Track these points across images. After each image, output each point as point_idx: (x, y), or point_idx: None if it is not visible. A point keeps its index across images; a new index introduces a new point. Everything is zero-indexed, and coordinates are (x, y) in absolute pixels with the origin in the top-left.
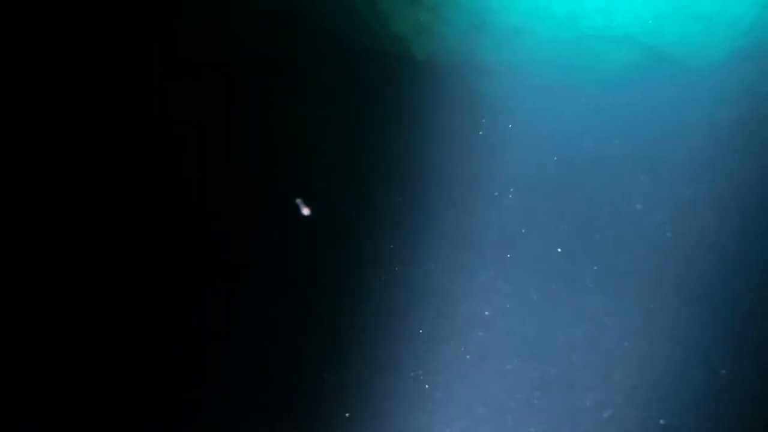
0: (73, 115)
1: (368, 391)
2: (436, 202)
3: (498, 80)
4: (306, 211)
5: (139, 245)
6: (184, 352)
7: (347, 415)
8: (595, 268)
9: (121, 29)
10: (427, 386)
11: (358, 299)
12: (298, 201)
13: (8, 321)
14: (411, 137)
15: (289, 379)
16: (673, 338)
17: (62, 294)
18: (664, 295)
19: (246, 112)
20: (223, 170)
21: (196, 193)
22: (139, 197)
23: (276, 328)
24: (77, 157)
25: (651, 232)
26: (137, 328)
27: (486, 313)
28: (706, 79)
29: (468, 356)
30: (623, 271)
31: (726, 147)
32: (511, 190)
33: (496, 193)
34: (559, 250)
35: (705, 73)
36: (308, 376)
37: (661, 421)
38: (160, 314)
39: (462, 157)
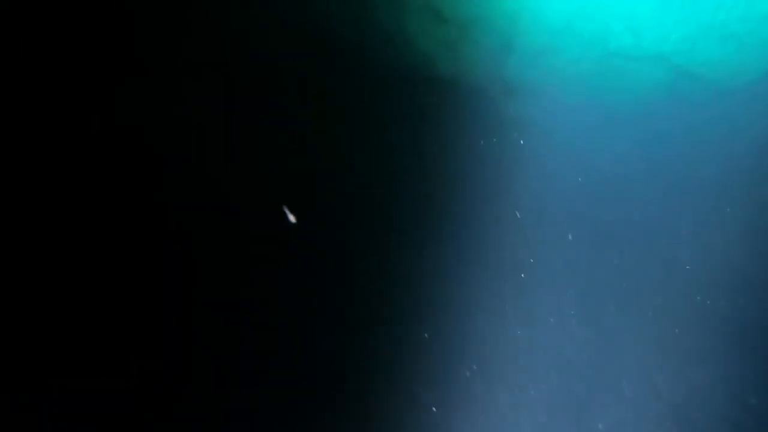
0: (100, 121)
1: (375, 406)
2: (456, 219)
3: (524, 99)
4: (292, 219)
5: (154, 246)
6: (200, 351)
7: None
8: (616, 287)
9: (149, 42)
10: (434, 409)
11: (370, 309)
12: (285, 208)
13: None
14: (434, 154)
15: (289, 380)
16: (697, 362)
17: (71, 294)
18: (689, 318)
19: (271, 127)
20: (251, 181)
21: (212, 200)
22: (151, 199)
23: (285, 331)
24: (98, 160)
25: (674, 253)
26: (152, 327)
27: (498, 332)
28: (738, 100)
29: (474, 376)
30: (645, 292)
31: (756, 169)
32: (534, 209)
33: (518, 214)
34: (577, 270)
35: (736, 94)
36: (318, 381)
37: None
38: (174, 314)
39: (484, 175)
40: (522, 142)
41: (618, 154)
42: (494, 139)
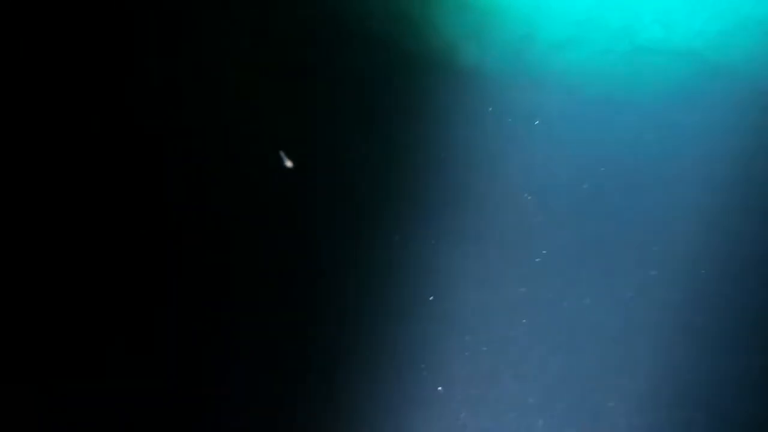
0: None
1: (371, 386)
2: (470, 209)
3: (545, 90)
4: (289, 164)
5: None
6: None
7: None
8: (635, 276)
9: (175, 31)
10: (428, 378)
11: (373, 296)
12: (281, 153)
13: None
14: (454, 145)
15: (291, 376)
16: (719, 351)
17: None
18: (714, 308)
19: (297, 117)
20: (267, 172)
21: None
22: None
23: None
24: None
25: (699, 258)
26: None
27: (511, 314)
28: None
29: (484, 355)
30: (665, 280)
31: None
32: (551, 202)
33: (528, 196)
34: (592, 257)
35: None
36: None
37: None
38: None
39: (503, 167)
40: (538, 123)
41: (641, 150)
42: (509, 119)
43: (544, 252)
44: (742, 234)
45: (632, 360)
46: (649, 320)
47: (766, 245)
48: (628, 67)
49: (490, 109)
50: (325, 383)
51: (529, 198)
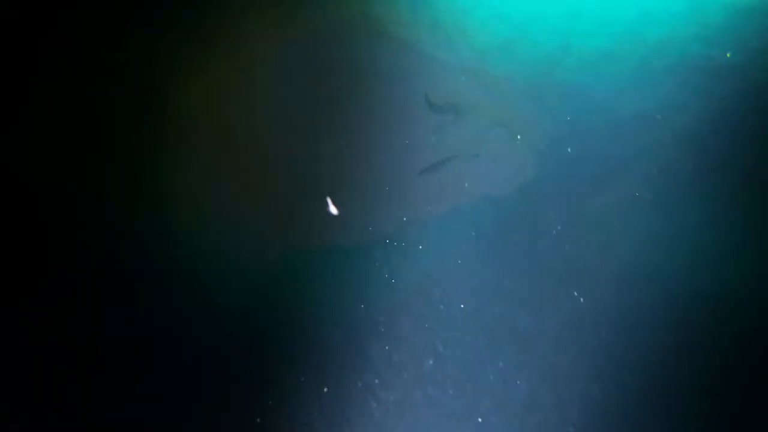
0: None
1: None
2: (495, 229)
3: (577, 104)
4: (334, 211)
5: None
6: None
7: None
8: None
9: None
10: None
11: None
12: (328, 199)
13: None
14: (481, 156)
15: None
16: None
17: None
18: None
19: (325, 119)
20: (293, 175)
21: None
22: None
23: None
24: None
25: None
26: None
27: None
28: None
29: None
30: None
31: None
32: (575, 222)
33: (556, 230)
34: (629, 289)
35: None
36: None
37: None
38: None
39: (532, 180)
40: (567, 138)
41: (676, 168)
42: (546, 143)
43: (579, 296)
44: None
45: (677, 389)
46: (695, 346)
47: None
48: (664, 83)
49: (519, 137)
50: (368, 401)
51: (557, 230)
